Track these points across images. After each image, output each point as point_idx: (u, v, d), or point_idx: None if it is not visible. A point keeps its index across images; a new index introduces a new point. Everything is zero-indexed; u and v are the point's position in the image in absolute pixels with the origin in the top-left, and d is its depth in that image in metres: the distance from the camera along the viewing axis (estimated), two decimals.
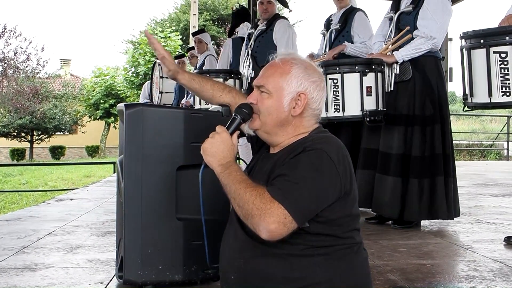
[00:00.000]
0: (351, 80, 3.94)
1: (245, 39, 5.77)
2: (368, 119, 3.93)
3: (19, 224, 4.40)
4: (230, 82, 5.42)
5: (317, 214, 1.69)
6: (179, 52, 28.11)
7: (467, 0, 8.55)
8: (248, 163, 2.08)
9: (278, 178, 1.70)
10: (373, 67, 3.95)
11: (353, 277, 1.77)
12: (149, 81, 10.56)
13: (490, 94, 3.17)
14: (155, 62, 10.38)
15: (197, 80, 2.28)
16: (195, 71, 6.25)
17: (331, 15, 4.92)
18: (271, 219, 1.60)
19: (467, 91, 3.34)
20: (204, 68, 7.31)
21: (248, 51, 5.50)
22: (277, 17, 5.48)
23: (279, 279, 1.72)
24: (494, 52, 3.13)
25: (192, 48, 9.05)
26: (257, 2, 5.57)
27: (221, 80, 5.34)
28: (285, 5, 5.74)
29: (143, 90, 10.90)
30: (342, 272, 1.75)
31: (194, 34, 8.13)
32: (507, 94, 3.09)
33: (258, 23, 5.65)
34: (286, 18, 5.51)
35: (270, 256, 1.73)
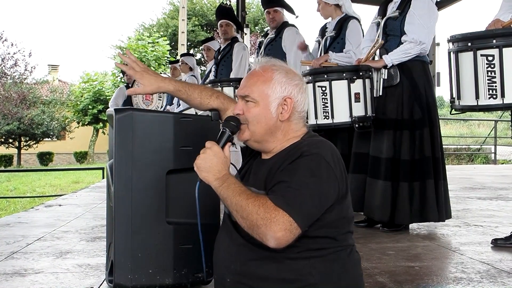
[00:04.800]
0: (339, 87, 3.97)
1: (257, 47, 5.82)
2: (357, 125, 3.97)
3: (8, 230, 4.38)
4: None
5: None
6: (167, 58, 28.16)
7: (454, 5, 8.62)
8: (238, 168, 2.08)
9: (279, 185, 1.70)
10: (361, 73, 3.99)
11: (347, 278, 1.80)
12: (124, 86, 10.50)
13: (477, 97, 3.19)
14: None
15: (184, 90, 2.22)
16: (209, 79, 6.31)
17: (326, 23, 4.94)
18: (277, 227, 1.60)
19: (454, 94, 3.36)
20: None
21: (259, 59, 5.50)
22: (286, 25, 5.50)
23: (275, 281, 1.74)
24: (481, 55, 3.15)
25: (185, 54, 9.05)
26: (265, 12, 5.62)
27: (231, 88, 5.34)
28: (291, 11, 5.74)
29: (120, 93, 10.66)
30: (336, 273, 1.77)
31: (203, 42, 8.13)
32: (494, 97, 3.12)
33: (268, 32, 5.67)
34: (295, 26, 5.50)
35: (266, 259, 1.74)
